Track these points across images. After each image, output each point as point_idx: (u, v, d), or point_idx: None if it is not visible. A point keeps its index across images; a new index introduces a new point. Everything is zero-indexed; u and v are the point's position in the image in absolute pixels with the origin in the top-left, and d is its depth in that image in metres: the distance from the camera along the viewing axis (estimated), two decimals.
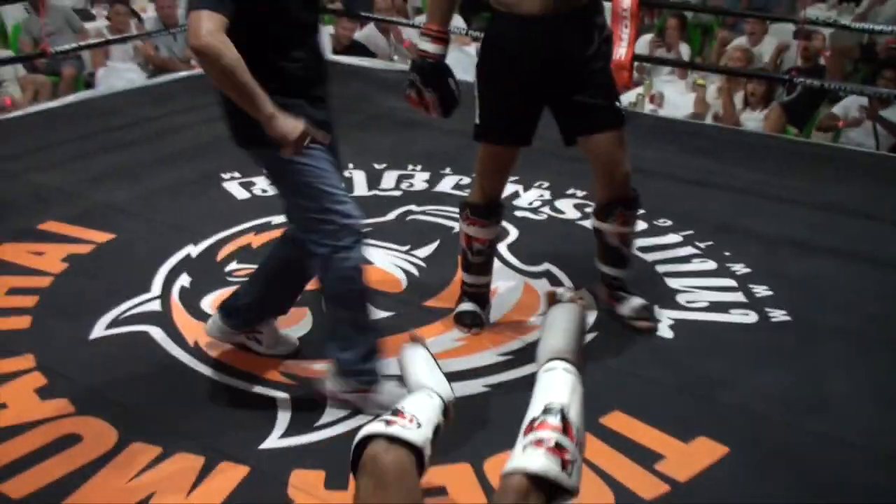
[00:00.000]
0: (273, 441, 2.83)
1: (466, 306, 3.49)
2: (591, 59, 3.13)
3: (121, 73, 7.07)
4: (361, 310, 2.87)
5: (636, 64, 6.35)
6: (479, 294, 3.51)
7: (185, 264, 3.94)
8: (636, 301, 3.47)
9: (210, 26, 2.38)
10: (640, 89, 6.83)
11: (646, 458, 2.74)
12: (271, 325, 3.24)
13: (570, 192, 4.75)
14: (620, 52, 5.91)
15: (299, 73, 2.69)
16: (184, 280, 3.81)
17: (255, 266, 3.80)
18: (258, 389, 3.09)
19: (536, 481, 1.94)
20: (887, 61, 6.60)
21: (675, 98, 6.94)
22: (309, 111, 2.68)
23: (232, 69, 2.42)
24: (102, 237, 4.18)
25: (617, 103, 3.22)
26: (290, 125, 2.55)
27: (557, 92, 3.15)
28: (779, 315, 3.60)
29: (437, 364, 2.54)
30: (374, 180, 4.91)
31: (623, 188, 3.30)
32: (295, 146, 2.57)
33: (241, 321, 3.19)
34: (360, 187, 4.82)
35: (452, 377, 2.86)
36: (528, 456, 1.92)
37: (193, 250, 4.06)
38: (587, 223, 4.36)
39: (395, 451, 1.90)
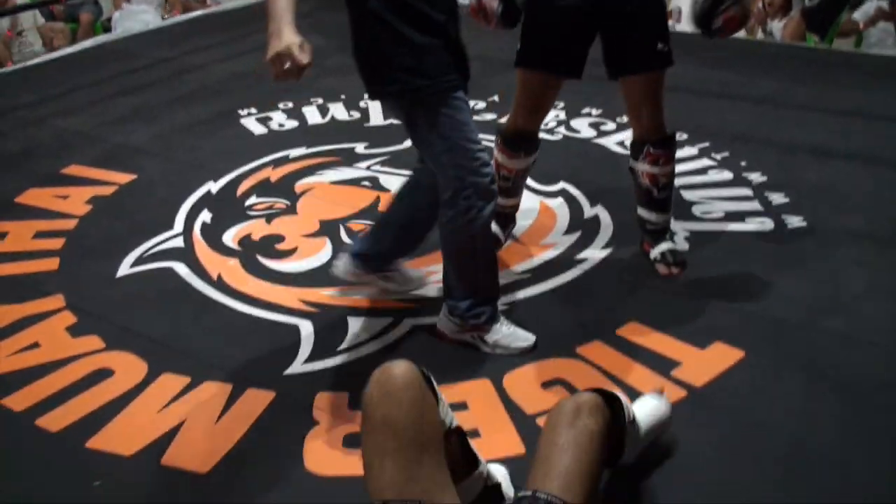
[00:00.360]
0: (297, 367, 2.89)
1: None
2: None
3: (136, 16, 7.08)
4: (483, 268, 2.83)
5: None
6: (503, 214, 3.52)
7: (206, 200, 4.00)
8: (664, 245, 3.37)
9: None
10: None
11: (663, 365, 2.78)
12: (400, 264, 3.22)
13: (586, 111, 4.74)
14: None
15: (437, 17, 2.57)
16: (205, 216, 3.86)
17: (275, 199, 3.88)
18: (281, 318, 3.15)
19: (607, 400, 2.05)
20: None
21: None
22: (445, 56, 2.61)
23: None
24: (124, 178, 4.23)
25: (660, 45, 3.09)
26: (273, 46, 2.34)
27: (604, 24, 3.06)
28: (795, 221, 3.60)
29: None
30: None
31: (652, 129, 3.23)
32: (273, 69, 2.36)
33: (375, 265, 3.15)
34: (377, 116, 4.83)
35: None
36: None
37: (213, 187, 4.11)
38: (603, 141, 4.37)
39: (404, 364, 1.94)
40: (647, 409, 2.36)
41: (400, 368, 1.91)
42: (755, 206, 3.73)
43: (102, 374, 2.88)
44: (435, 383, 1.97)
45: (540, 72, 3.15)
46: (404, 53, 2.54)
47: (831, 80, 5.14)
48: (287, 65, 2.32)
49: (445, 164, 2.66)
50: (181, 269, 3.49)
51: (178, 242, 3.67)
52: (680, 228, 3.57)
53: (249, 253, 3.57)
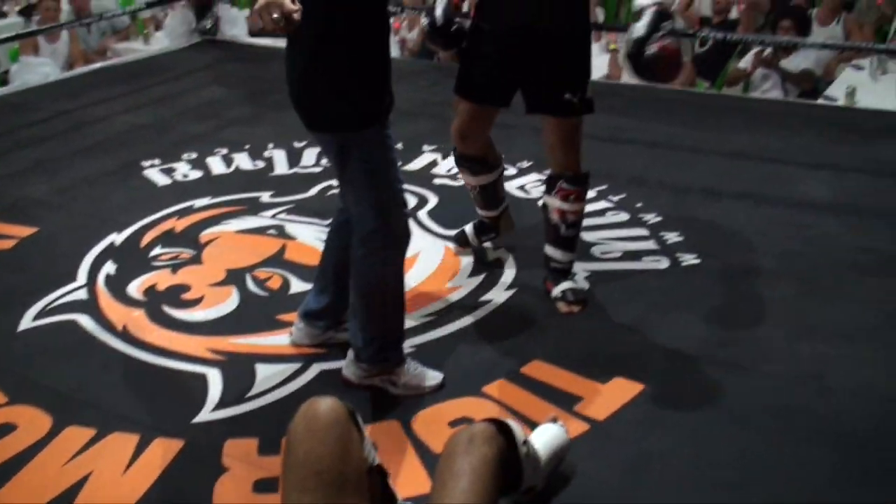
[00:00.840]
0: (205, 415, 2.89)
1: (466, 227, 3.85)
2: (570, 38, 3.19)
3: (34, 68, 7.00)
4: (392, 310, 2.85)
5: None
6: (481, 221, 3.81)
7: (110, 252, 3.97)
8: (565, 284, 3.46)
9: None
10: None
11: (565, 401, 2.86)
12: None
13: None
14: None
15: (387, 50, 2.64)
16: (109, 268, 3.84)
17: (180, 249, 3.88)
18: (188, 367, 3.15)
19: (500, 428, 2.11)
20: (783, 11, 6.78)
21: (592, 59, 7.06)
22: (388, 90, 2.67)
23: None
24: (25, 231, 4.18)
25: (568, 96, 3.22)
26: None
27: (526, 60, 3.20)
28: (689, 259, 3.74)
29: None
30: (294, 158, 4.96)
31: (565, 166, 3.36)
32: (261, 16, 2.38)
33: (329, 321, 3.14)
34: (282, 165, 4.86)
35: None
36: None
37: (117, 238, 4.09)
38: (505, 185, 4.47)
39: (330, 400, 1.96)
40: (544, 437, 2.43)
41: (325, 404, 1.94)
42: (651, 245, 3.87)
43: (5, 430, 2.84)
44: (360, 420, 2.01)
45: (464, 99, 3.29)
46: (356, 85, 2.57)
47: (720, 124, 5.35)
48: (275, 14, 2.34)
49: (367, 200, 2.68)
50: (85, 321, 3.46)
51: (82, 294, 3.64)
52: (580, 268, 3.67)
53: (155, 303, 3.55)
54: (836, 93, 5.96)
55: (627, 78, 6.46)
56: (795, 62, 6.34)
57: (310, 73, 2.58)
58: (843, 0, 7.34)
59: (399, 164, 2.78)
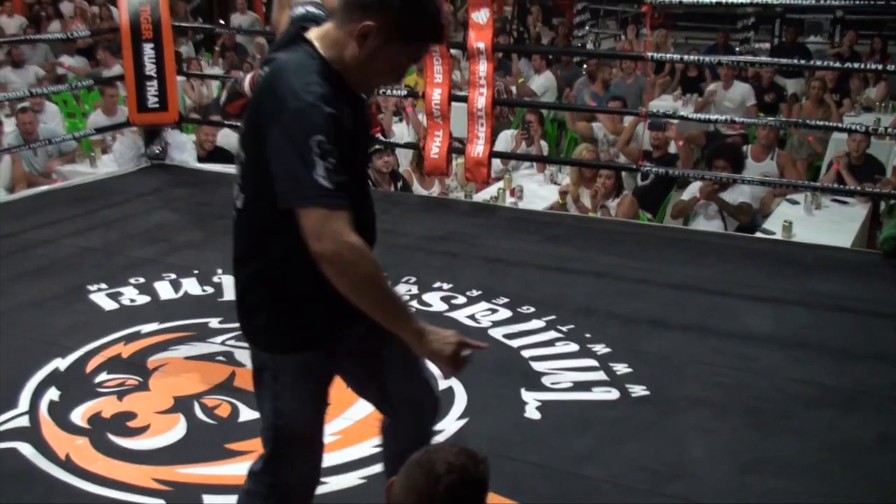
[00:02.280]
0: None
1: None
2: None
3: None
4: None
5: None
6: None
7: (53, 378, 3.89)
8: None
9: (338, 226, 1.97)
10: (500, 184, 7.08)
11: None
12: None
13: (437, 285, 4.88)
14: (478, 149, 6.16)
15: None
16: (52, 394, 3.76)
17: (127, 376, 3.84)
18: (134, 498, 3.08)
19: None
20: (716, 151, 7.03)
21: (536, 190, 7.22)
22: None
23: (372, 278, 2.03)
24: None
25: None
26: (441, 340, 2.14)
27: None
28: (639, 390, 3.78)
29: None
30: None
31: None
32: (452, 364, 2.16)
33: None
34: (231, 291, 4.81)
35: (329, 471, 2.91)
36: None
37: (61, 363, 4.02)
38: (454, 314, 4.51)
39: None
40: None
41: None
42: (601, 375, 3.91)
43: None
44: None
45: None
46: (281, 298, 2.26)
47: (663, 256, 5.47)
48: (466, 351, 2.17)
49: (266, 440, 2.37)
50: (26, 449, 3.37)
51: (24, 422, 3.56)
52: (531, 398, 3.69)
53: (100, 431, 3.48)
54: (774, 227, 6.15)
55: (573, 209, 6.62)
56: (733, 196, 6.54)
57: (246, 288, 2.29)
58: (777, 137, 7.65)
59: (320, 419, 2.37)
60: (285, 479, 2.33)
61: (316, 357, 2.26)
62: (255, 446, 3.21)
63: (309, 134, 1.96)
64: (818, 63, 7.69)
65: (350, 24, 2.07)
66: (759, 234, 6.16)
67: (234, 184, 2.25)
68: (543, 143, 8.12)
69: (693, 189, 6.77)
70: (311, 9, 2.32)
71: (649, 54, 6.66)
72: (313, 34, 2.15)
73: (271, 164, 2.02)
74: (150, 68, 6.59)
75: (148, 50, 6.55)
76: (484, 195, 6.90)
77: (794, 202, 6.65)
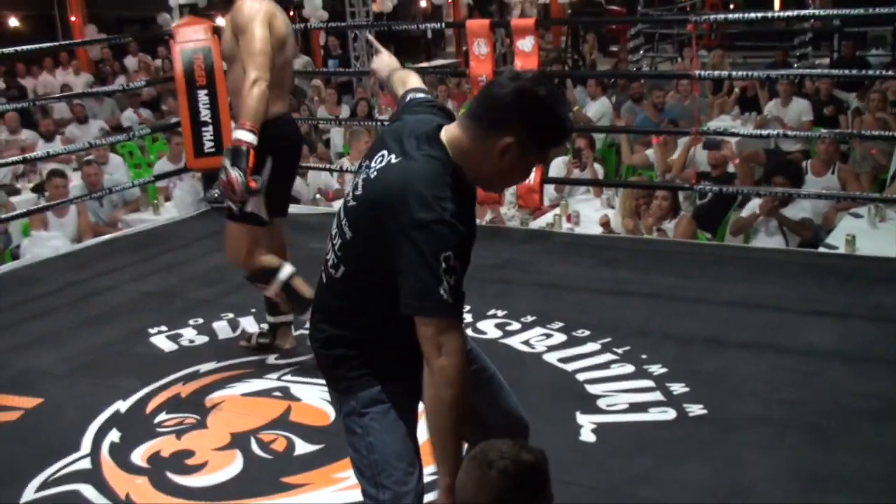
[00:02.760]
0: None
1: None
2: None
3: (44, 242, 7.12)
4: None
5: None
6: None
7: (115, 420, 3.96)
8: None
9: (455, 343, 2.07)
10: (556, 210, 7.06)
11: None
12: None
13: (491, 312, 4.87)
14: (529, 175, 6.14)
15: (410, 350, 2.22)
16: (113, 436, 3.82)
17: (186, 415, 3.89)
18: None
19: None
20: (775, 168, 6.93)
21: (592, 215, 7.18)
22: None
23: (456, 406, 2.09)
24: (29, 402, 4.18)
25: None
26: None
27: None
28: (696, 409, 3.72)
29: None
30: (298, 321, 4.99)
31: None
32: None
33: None
34: None
35: None
36: None
37: (122, 405, 4.08)
38: (508, 340, 4.50)
39: None
40: None
41: None
42: (657, 396, 3.85)
43: None
44: None
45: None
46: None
47: (721, 275, 5.39)
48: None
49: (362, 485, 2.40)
50: (88, 491, 3.42)
51: (86, 464, 3.62)
52: (587, 421, 3.65)
53: (159, 470, 3.53)
54: (836, 241, 6.03)
55: (620, 230, 6.56)
56: (794, 211, 6.43)
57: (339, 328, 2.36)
58: (838, 151, 7.51)
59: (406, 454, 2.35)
60: None
61: (396, 388, 2.32)
62: (311, 479, 3.27)
63: (440, 249, 2.04)
64: (874, 73, 7.54)
65: (488, 139, 2.12)
66: (821, 250, 6.04)
67: (329, 249, 2.31)
68: (598, 167, 8.07)
69: (752, 206, 6.67)
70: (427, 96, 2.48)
71: (697, 72, 6.60)
72: (446, 136, 2.19)
73: (398, 265, 2.09)
74: (204, 114, 6.71)
75: (202, 96, 6.67)
76: (540, 222, 6.87)
77: (858, 216, 6.51)
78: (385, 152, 2.22)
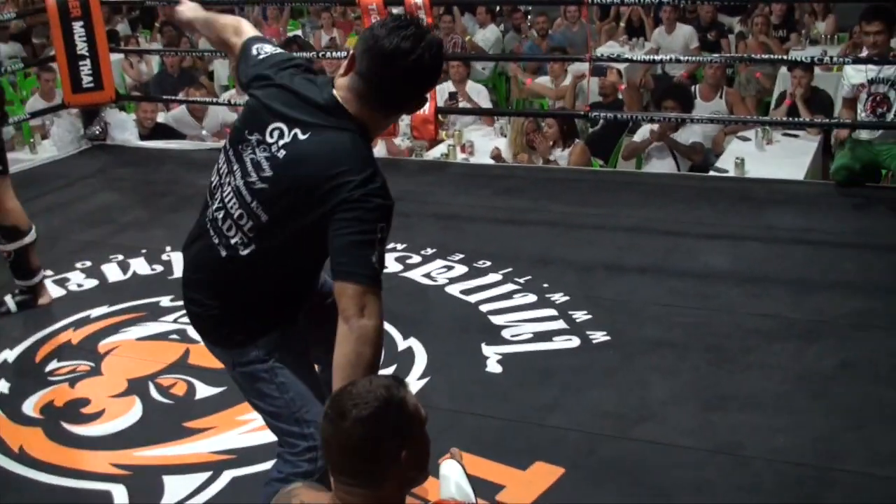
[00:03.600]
0: None
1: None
2: None
3: None
4: None
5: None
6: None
7: (2, 370, 3.79)
8: None
9: (378, 307, 2.11)
10: (450, 140, 7.00)
11: (487, 490, 2.79)
12: None
13: (391, 246, 4.80)
14: (424, 106, 6.05)
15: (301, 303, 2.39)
16: (2, 386, 3.66)
17: (78, 362, 3.75)
18: (92, 485, 3.01)
19: None
20: (664, 92, 6.99)
21: (485, 145, 7.14)
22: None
23: (376, 365, 2.14)
24: None
25: None
26: None
27: None
28: (599, 336, 3.75)
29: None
30: None
31: None
32: None
33: None
34: (181, 268, 4.73)
35: None
36: None
37: (10, 355, 3.91)
38: (409, 274, 4.46)
39: None
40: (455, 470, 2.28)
41: None
42: (561, 324, 3.87)
43: None
44: None
45: None
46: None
47: (617, 200, 5.43)
48: None
49: (274, 428, 2.41)
50: None
51: None
52: (492, 352, 3.65)
53: (53, 420, 3.40)
54: (726, 165, 6.13)
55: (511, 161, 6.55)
56: (684, 136, 6.51)
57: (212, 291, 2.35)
58: (724, 75, 7.61)
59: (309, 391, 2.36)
60: (318, 453, 2.27)
61: (291, 332, 2.35)
62: (215, 422, 3.19)
63: (377, 220, 2.10)
64: None
65: (382, 111, 2.21)
66: (712, 173, 6.13)
67: (229, 228, 2.24)
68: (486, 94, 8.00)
69: (644, 132, 6.72)
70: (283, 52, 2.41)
71: None
72: (347, 104, 2.17)
73: (333, 237, 2.10)
74: (81, 47, 6.40)
75: (78, 28, 6.35)
76: (434, 153, 6.81)
77: (746, 139, 6.62)
78: (282, 126, 2.18)
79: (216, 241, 2.27)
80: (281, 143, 2.16)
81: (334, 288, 2.11)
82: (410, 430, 1.76)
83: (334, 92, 2.18)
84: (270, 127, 2.18)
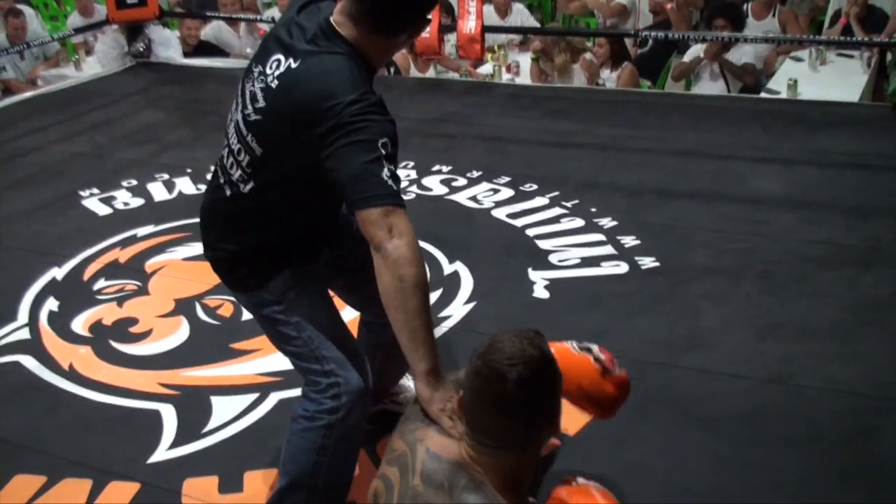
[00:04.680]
0: (161, 454, 2.77)
1: None
2: None
3: None
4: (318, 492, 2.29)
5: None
6: None
7: (51, 288, 3.82)
8: None
9: (407, 224, 1.98)
10: (496, 60, 6.89)
11: None
12: (404, 382, 2.86)
13: (436, 168, 4.76)
14: (470, 25, 5.95)
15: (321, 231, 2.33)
16: (51, 304, 3.69)
17: (126, 281, 3.76)
18: (141, 404, 3.02)
19: None
20: (715, 10, 6.80)
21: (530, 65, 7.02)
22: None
23: (424, 283, 1.99)
24: None
25: None
26: (441, 403, 1.95)
27: None
28: (648, 262, 3.70)
29: None
30: None
31: None
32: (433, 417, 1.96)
33: (374, 397, 2.60)
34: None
35: None
36: None
37: (58, 272, 3.94)
38: (455, 197, 4.41)
39: None
40: None
41: None
42: (609, 250, 3.82)
43: None
44: None
45: None
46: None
47: (666, 123, 5.33)
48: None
49: (297, 367, 2.36)
50: (29, 361, 3.31)
51: (24, 334, 3.49)
52: (539, 277, 3.61)
53: (102, 339, 3.42)
54: (778, 86, 5.98)
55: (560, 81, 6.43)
56: (736, 56, 6.35)
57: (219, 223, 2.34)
58: None
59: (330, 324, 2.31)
60: (343, 387, 2.22)
61: (304, 270, 2.29)
62: (260, 344, 3.19)
63: (378, 137, 1.99)
64: None
65: (383, 36, 2.10)
66: (763, 95, 5.99)
67: (230, 166, 2.19)
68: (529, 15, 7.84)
69: (694, 51, 6.57)
70: None
71: None
72: (341, 29, 2.08)
73: (334, 165, 2.00)
74: None
75: None
76: (480, 71, 6.71)
77: (799, 59, 6.45)
78: (281, 56, 2.10)
79: (222, 181, 2.24)
80: (277, 73, 2.09)
81: (357, 223, 1.99)
82: (560, 387, 1.72)
83: (331, 17, 2.09)
84: (272, 58, 2.11)
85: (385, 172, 1.97)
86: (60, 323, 3.55)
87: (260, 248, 2.26)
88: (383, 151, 1.98)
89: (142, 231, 4.26)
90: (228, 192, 2.21)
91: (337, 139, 1.98)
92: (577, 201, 4.27)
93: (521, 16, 7.67)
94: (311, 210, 2.27)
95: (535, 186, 4.45)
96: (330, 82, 2.02)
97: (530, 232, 4.02)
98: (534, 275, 3.63)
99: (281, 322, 2.28)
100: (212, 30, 7.60)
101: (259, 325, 2.37)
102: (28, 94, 6.79)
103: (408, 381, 2.85)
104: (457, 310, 3.44)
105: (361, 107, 1.98)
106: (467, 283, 3.62)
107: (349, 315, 2.59)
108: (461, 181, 4.58)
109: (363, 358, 2.29)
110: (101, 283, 3.83)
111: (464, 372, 1.79)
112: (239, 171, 2.18)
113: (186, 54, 7.22)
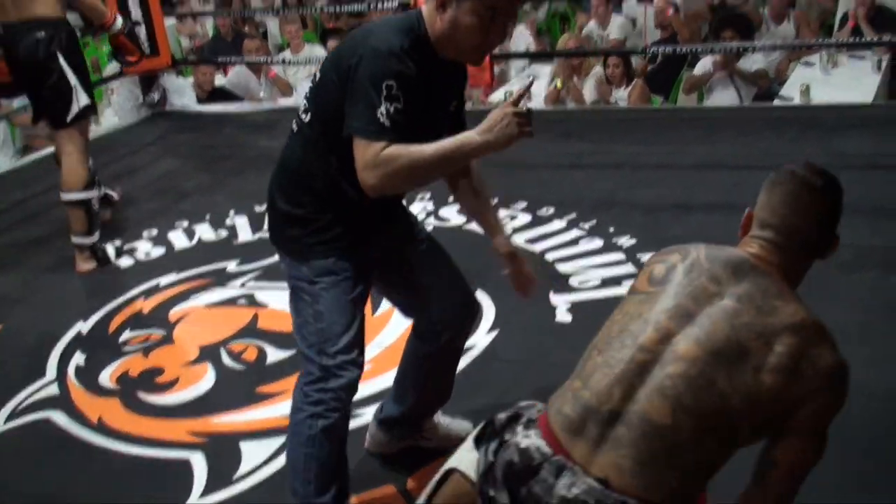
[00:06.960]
0: (194, 501, 2.78)
1: None
2: None
3: None
4: (313, 479, 2.40)
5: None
6: None
7: (78, 342, 3.85)
8: None
9: (369, 155, 2.10)
10: (508, 86, 6.92)
11: None
12: (436, 419, 2.87)
13: (452, 198, 4.75)
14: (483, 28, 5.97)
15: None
16: (78, 358, 3.72)
17: (150, 331, 3.78)
18: (170, 454, 3.03)
19: None
20: (722, 21, 6.80)
21: (542, 91, 7.03)
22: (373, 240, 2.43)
23: (413, 164, 2.12)
24: None
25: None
26: (498, 129, 2.14)
27: None
28: None
29: None
30: (257, 223, 4.85)
31: None
32: (526, 134, 2.16)
33: (407, 429, 2.83)
34: (245, 232, 4.77)
35: (360, 403, 2.88)
36: None
37: (83, 326, 3.97)
38: (472, 227, 4.40)
39: None
40: None
41: None
42: (629, 268, 3.81)
43: None
44: None
45: None
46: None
47: (680, 138, 5.32)
48: (522, 107, 2.18)
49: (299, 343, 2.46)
50: (59, 417, 3.33)
51: (53, 390, 3.52)
52: (560, 301, 3.60)
53: (129, 390, 3.44)
54: (791, 92, 5.96)
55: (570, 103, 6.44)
56: (746, 66, 6.35)
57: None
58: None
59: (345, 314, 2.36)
60: (332, 385, 2.34)
61: (347, 263, 2.35)
62: (287, 386, 3.18)
63: (384, 77, 2.10)
64: None
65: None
66: (777, 102, 5.98)
67: (295, 129, 2.36)
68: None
69: (704, 64, 6.58)
70: None
71: None
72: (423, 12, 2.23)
73: (346, 96, 2.15)
74: (135, 13, 6.42)
75: None
76: (492, 100, 6.73)
77: (810, 64, 6.45)
78: None
79: (295, 126, 2.38)
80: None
81: None
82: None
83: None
84: None
85: (381, 110, 2.09)
86: (88, 377, 3.58)
87: (306, 217, 2.33)
88: (384, 91, 2.09)
89: (164, 280, 4.29)
90: (295, 128, 2.36)
91: (354, 71, 2.13)
92: (594, 222, 4.26)
93: (523, 37, 7.72)
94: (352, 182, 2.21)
95: (552, 210, 4.45)
96: (375, 25, 2.25)
97: (550, 256, 4.02)
98: (555, 299, 3.62)
99: (305, 301, 2.36)
100: (236, 76, 7.68)
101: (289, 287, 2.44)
102: (49, 150, 6.85)
103: (441, 419, 2.86)
104: (480, 339, 3.44)
105: (384, 47, 2.12)
106: (489, 311, 3.62)
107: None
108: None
109: (361, 367, 2.40)
110: (126, 335, 3.86)
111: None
112: (304, 101, 2.34)
113: (201, 100, 7.29)
